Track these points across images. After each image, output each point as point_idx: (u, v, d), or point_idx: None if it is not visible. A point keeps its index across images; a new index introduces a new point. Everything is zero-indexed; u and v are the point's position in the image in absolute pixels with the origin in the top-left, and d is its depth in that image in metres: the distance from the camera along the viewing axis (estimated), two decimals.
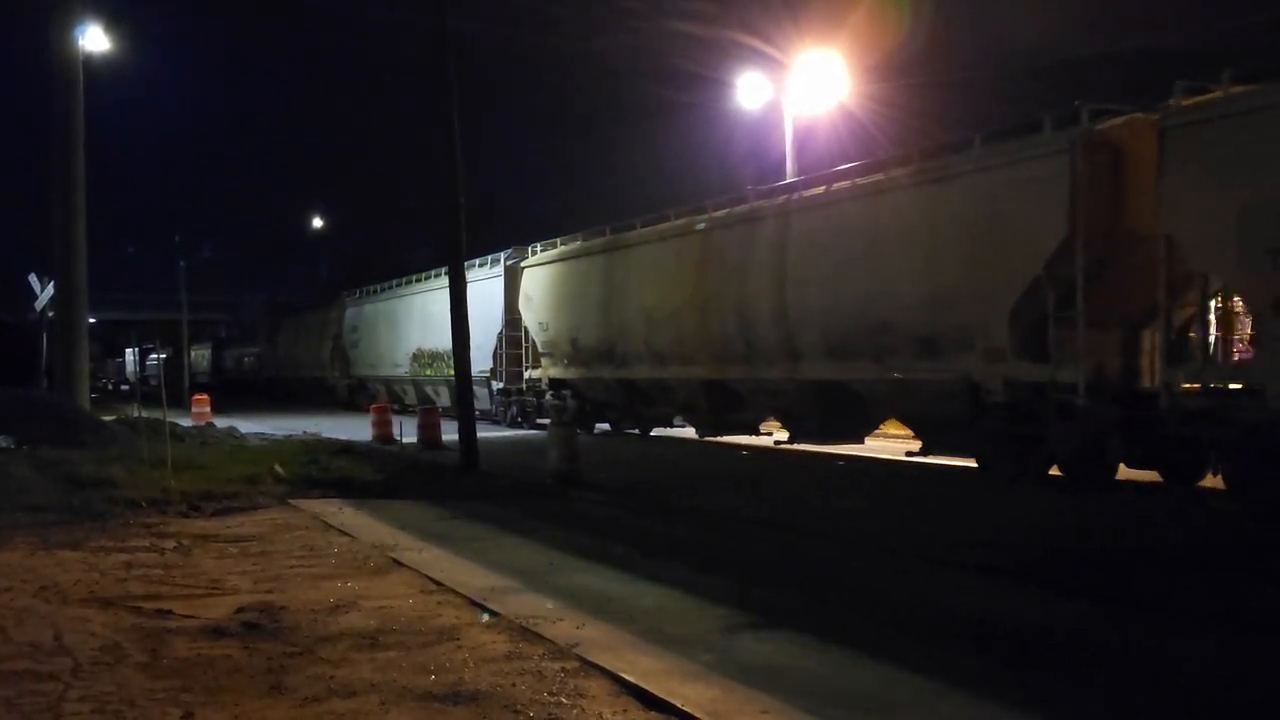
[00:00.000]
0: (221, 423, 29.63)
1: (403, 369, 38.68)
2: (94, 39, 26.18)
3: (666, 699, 5.93)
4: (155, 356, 71.38)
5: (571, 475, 16.60)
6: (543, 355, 28.43)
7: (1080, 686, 6.36)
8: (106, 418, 25.15)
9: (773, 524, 12.71)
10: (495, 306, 30.09)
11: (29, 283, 32.65)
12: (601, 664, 6.59)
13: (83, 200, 24.78)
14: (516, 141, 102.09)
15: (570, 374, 27.18)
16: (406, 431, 24.09)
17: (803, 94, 28.74)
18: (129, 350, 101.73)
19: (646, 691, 6.07)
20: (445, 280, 35.39)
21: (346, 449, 21.57)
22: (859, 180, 18.32)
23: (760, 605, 8.33)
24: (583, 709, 5.84)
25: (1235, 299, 13.63)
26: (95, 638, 7.38)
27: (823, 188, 19.36)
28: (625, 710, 5.85)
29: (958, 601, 8.62)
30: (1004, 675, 6.56)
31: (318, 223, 74.65)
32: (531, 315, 28.46)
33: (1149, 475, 14.94)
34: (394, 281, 41.55)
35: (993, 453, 16.03)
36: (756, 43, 30.72)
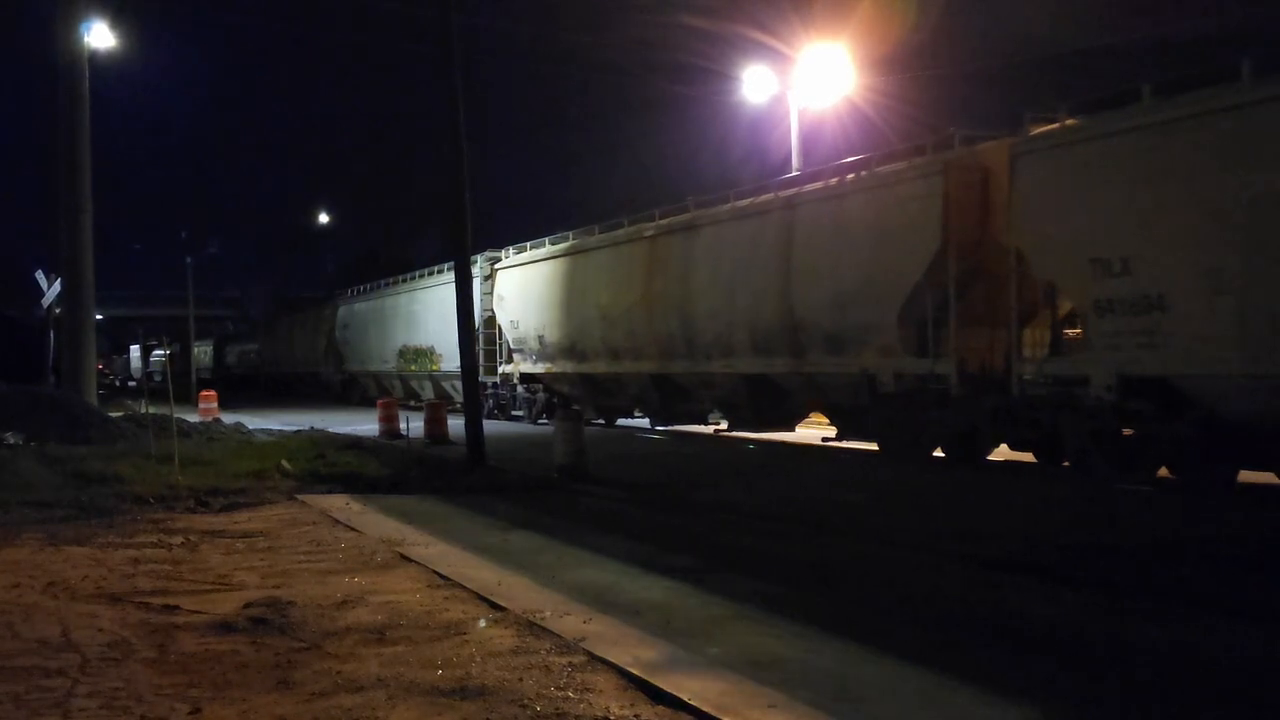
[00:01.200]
0: (228, 418, 29.67)
1: (390, 364, 41.17)
2: (99, 35, 26.23)
3: (674, 693, 5.92)
4: (160, 353, 71.99)
5: (578, 469, 16.60)
6: (514, 352, 30.71)
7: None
8: (114, 414, 25.21)
9: (775, 516, 12.74)
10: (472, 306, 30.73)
11: (36, 279, 32.72)
12: (608, 658, 6.59)
13: (89, 197, 24.83)
14: (521, 137, 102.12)
15: (539, 369, 29.55)
16: (413, 426, 24.12)
17: (808, 87, 28.72)
18: (133, 347, 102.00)
19: (653, 685, 6.07)
20: (429, 281, 38.22)
21: (353, 444, 21.59)
22: (779, 194, 20.81)
23: (767, 598, 8.32)
24: (590, 703, 5.84)
25: (1069, 302, 15.74)
26: (103, 633, 7.39)
27: (748, 200, 21.73)
28: (632, 704, 5.84)
29: (963, 594, 8.62)
30: (1010, 668, 6.55)
31: (324, 218, 74.87)
32: (504, 314, 30.73)
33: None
34: (382, 282, 44.44)
35: (888, 436, 18.55)
36: (762, 36, 30.70)
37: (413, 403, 31.79)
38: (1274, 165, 12.47)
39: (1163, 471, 14.51)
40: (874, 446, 19.16)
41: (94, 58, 25.86)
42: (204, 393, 35.95)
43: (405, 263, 44.84)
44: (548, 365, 29.03)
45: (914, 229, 17.09)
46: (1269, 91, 12.56)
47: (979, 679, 6.22)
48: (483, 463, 17.88)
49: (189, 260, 57.35)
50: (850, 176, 19.00)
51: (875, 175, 18.30)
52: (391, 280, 43.21)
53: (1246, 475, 14.13)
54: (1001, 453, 17.59)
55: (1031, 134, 15.49)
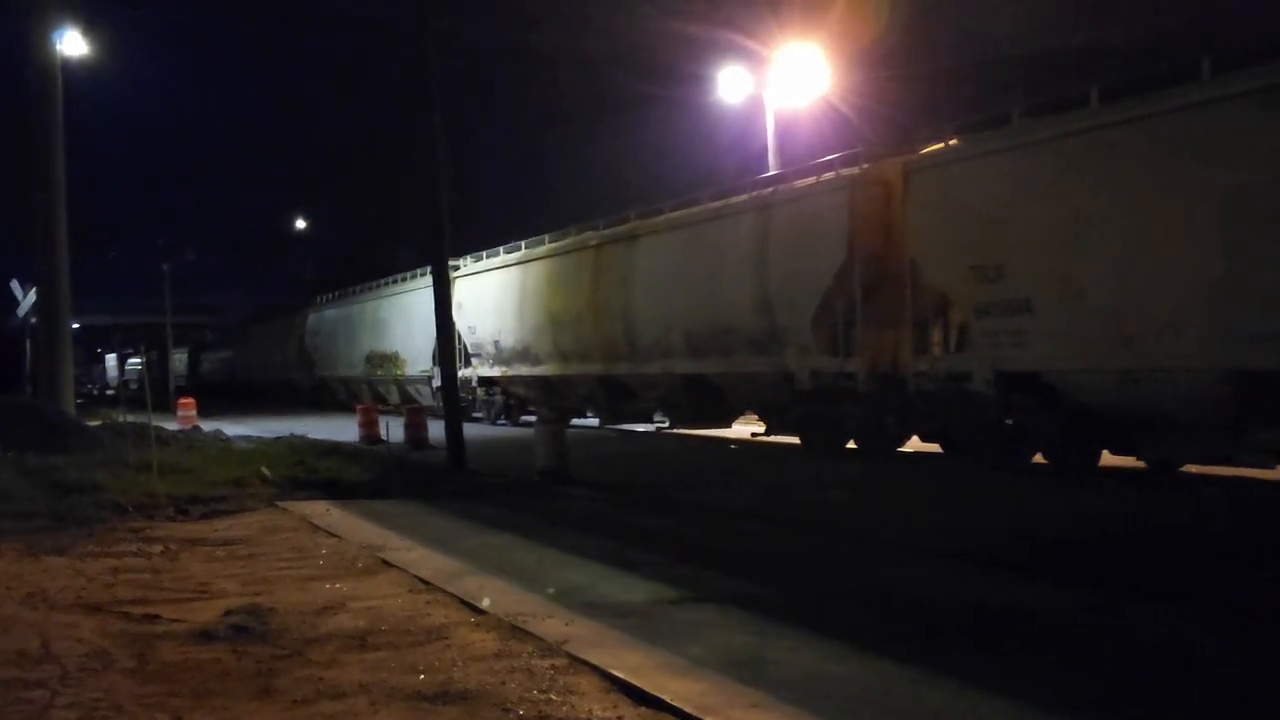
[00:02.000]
0: (207, 426, 29.55)
1: (358, 369, 42.51)
2: (72, 43, 26.06)
3: (657, 694, 5.92)
4: (136, 361, 72.05)
5: (559, 472, 16.59)
6: (473, 356, 31.99)
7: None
8: (92, 422, 25.06)
9: (753, 515, 12.81)
10: (432, 313, 31.58)
11: (11, 289, 32.52)
12: (591, 660, 6.58)
13: (63, 204, 24.67)
14: (498, 140, 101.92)
15: (495, 372, 31.01)
16: (393, 432, 24.06)
17: (783, 87, 28.76)
18: (109, 355, 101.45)
19: (636, 687, 6.07)
20: (394, 289, 39.27)
21: (333, 450, 21.54)
22: (709, 205, 22.31)
23: (749, 598, 8.34)
24: (573, 705, 5.84)
25: (955, 305, 16.82)
26: (82, 644, 7.35)
27: (681, 212, 23.15)
28: (615, 706, 5.85)
29: (941, 589, 8.66)
30: (990, 664, 6.58)
31: (301, 223, 74.56)
32: (463, 320, 30.95)
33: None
34: (349, 289, 46.09)
35: (808, 431, 20.05)
36: (737, 36, 30.71)
37: (380, 406, 32.21)
38: (1120, 183, 13.97)
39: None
40: (797, 440, 20.68)
41: (67, 65, 25.70)
42: (182, 400, 35.76)
43: (384, 267, 45.00)
44: (504, 369, 30.45)
45: (825, 239, 18.54)
46: (1111, 117, 14.11)
47: (957, 672, 6.25)
48: (464, 466, 17.86)
49: (166, 267, 56.98)
50: (770, 190, 20.63)
51: (793, 189, 19.86)
52: (358, 288, 44.82)
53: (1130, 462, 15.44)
54: (914, 444, 19.06)
55: (921, 153, 17.25)
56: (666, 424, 25.92)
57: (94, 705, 6.05)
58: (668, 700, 5.82)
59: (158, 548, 11.25)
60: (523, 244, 29.89)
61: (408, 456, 20.98)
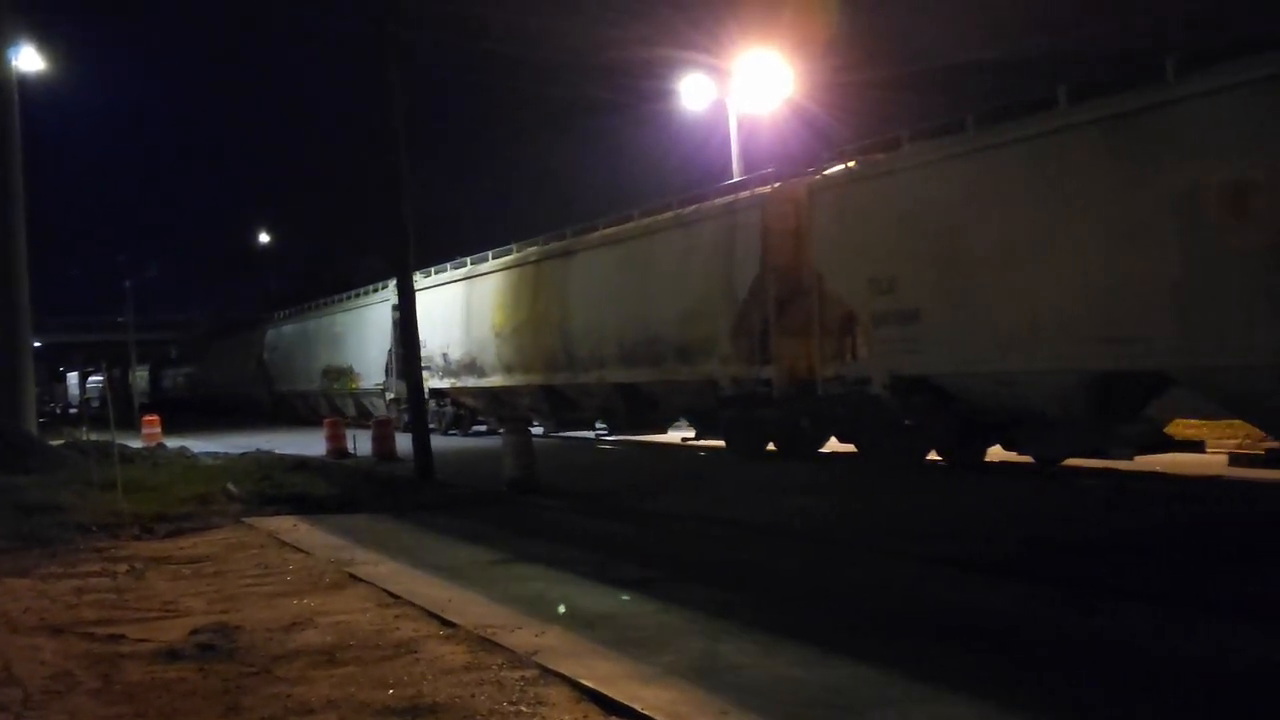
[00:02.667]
0: (172, 442, 29.30)
1: (315, 384, 43.56)
2: (28, 59, 25.80)
3: (627, 704, 5.92)
4: (97, 379, 72.14)
5: (527, 482, 16.55)
6: (423, 369, 31.14)
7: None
8: (55, 441, 24.79)
9: (718, 521, 12.80)
10: (386, 328, 35.01)
11: None
12: (561, 671, 6.57)
13: (22, 220, 24.36)
14: (463, 151, 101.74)
15: (445, 384, 31.79)
16: (361, 446, 23.97)
17: (747, 94, 28.84)
18: (71, 373, 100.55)
19: (607, 696, 6.06)
20: (348, 305, 40.45)
21: (300, 465, 21.39)
22: (639, 221, 23.31)
23: (716, 605, 8.34)
24: (543, 716, 5.82)
25: (856, 315, 17.82)
26: (46, 666, 7.27)
27: (614, 229, 24.25)
28: (586, 716, 5.84)
29: (905, 592, 8.69)
30: (957, 662, 6.60)
31: (265, 237, 74.27)
32: None
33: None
34: (305, 306, 47.33)
35: (732, 435, 20.90)
36: (701, 42, 30.81)
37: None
38: (990, 202, 15.18)
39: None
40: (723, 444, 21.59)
41: (24, 81, 25.44)
42: (147, 417, 35.44)
43: (347, 281, 45.08)
44: (453, 380, 31.41)
45: (741, 255, 19.73)
46: (986, 140, 15.32)
47: (933, 676, 6.27)
48: (431, 479, 17.81)
49: (128, 284, 56.57)
50: (692, 209, 21.75)
51: (713, 207, 21.02)
52: (314, 304, 46.05)
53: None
54: (832, 444, 19.95)
55: (824, 174, 18.49)
56: (605, 431, 27.04)
57: None
58: (638, 709, 5.82)
59: (123, 567, 11.14)
60: (469, 260, 31.07)
61: (375, 470, 20.88)
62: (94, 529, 13.63)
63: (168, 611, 8.93)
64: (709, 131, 32.13)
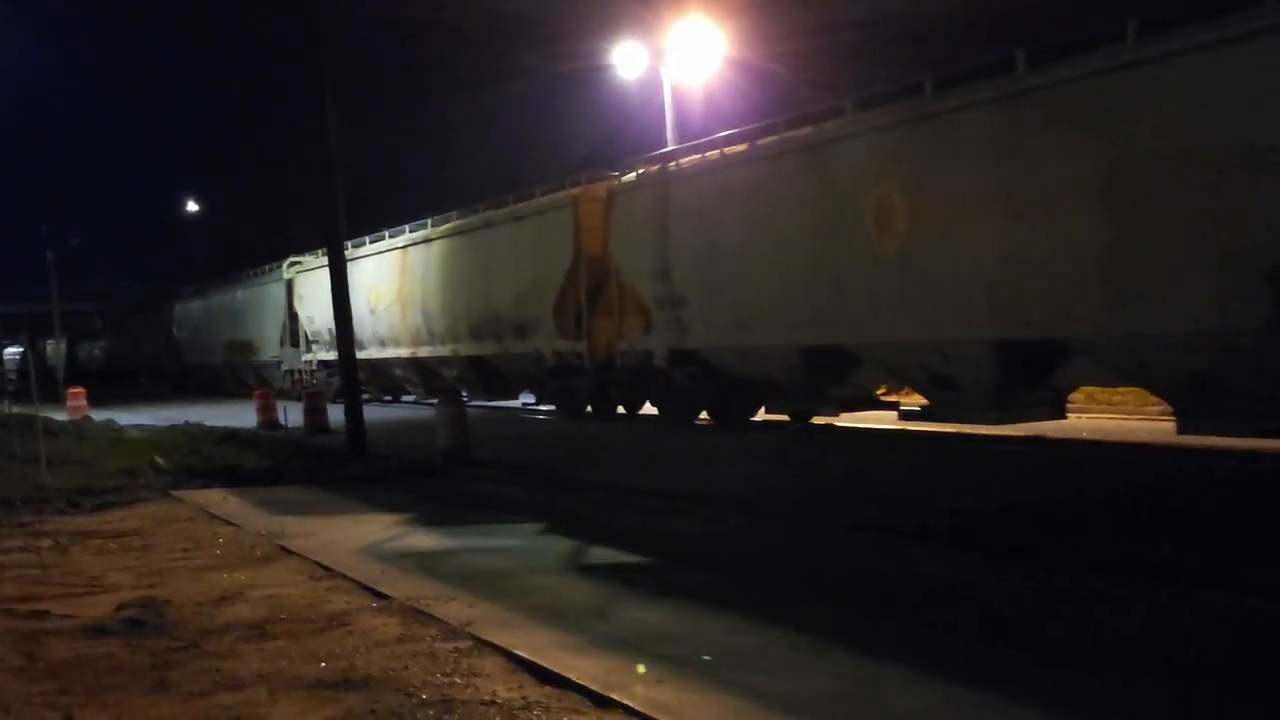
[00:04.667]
0: (99, 415, 28.81)
1: (219, 356, 46.98)
2: None
3: (561, 673, 5.91)
4: (14, 350, 72.36)
5: (460, 454, 16.47)
6: (312, 342, 36.59)
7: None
8: None
9: (655, 491, 12.79)
10: (280, 305, 39.09)
11: None
12: (495, 641, 6.55)
13: None
14: (393, 117, 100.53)
15: (330, 356, 33.67)
16: (292, 416, 23.72)
17: (681, 62, 28.76)
18: None
19: (540, 666, 6.06)
20: (248, 283, 43.31)
21: (230, 437, 21.15)
22: (485, 213, 26.42)
23: (650, 572, 8.39)
24: (476, 687, 5.80)
25: (644, 299, 20.56)
26: None
27: (464, 220, 27.30)
28: (520, 686, 5.82)
29: (836, 559, 8.78)
30: (853, 615, 6.68)
31: (192, 206, 73.09)
32: (303, 311, 36.79)
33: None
34: (209, 284, 50.89)
35: (558, 400, 24.59)
36: (635, 10, 30.63)
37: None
38: (736, 208, 18.06)
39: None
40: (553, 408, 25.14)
41: None
42: (72, 390, 34.82)
43: (275, 251, 45.20)
44: (337, 354, 32.20)
45: (559, 246, 22.94)
46: (731, 159, 18.42)
47: (853, 635, 6.34)
48: (364, 451, 17.65)
49: (50, 254, 55.37)
50: (521, 205, 24.90)
51: (538, 203, 24.18)
52: (216, 281, 49.71)
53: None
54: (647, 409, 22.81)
55: (621, 180, 21.67)
56: (466, 398, 28.46)
57: None
58: (573, 679, 5.81)
59: (46, 542, 10.94)
60: (349, 244, 32.58)
61: (307, 441, 20.67)
62: (17, 504, 13.35)
63: (94, 587, 8.78)
64: (645, 98, 32.06)
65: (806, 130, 16.96)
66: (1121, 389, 17.99)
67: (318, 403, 24.20)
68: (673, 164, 20.15)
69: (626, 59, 29.93)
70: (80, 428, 24.18)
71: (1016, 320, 13.66)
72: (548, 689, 5.76)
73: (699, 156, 19.49)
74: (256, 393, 28.30)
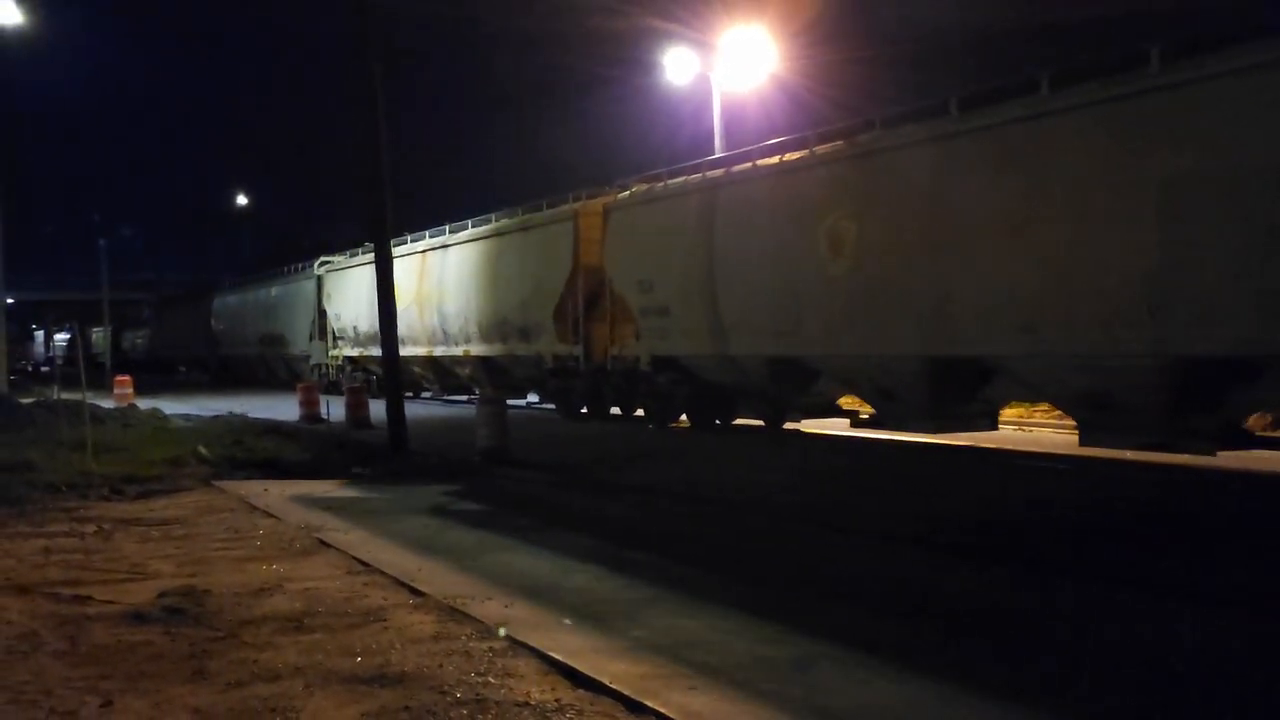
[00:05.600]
0: (144, 403, 29.13)
1: (253, 349, 48.76)
2: (6, 11, 25.47)
3: (595, 676, 5.92)
4: (63, 337, 74.17)
5: (500, 453, 16.52)
6: (339, 338, 38.34)
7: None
8: (25, 400, 24.61)
9: (690, 497, 12.81)
10: (310, 302, 40.76)
11: None
12: (529, 643, 6.56)
13: None
14: (441, 119, 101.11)
15: (355, 353, 36.77)
16: (334, 411, 23.89)
17: (731, 69, 28.71)
18: (39, 331, 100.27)
19: (575, 669, 6.06)
20: (282, 280, 44.97)
21: (273, 429, 21.31)
22: (495, 224, 27.89)
23: (686, 581, 8.36)
24: (510, 688, 5.82)
25: (632, 308, 21.77)
26: (11, 625, 7.22)
27: (475, 229, 28.86)
28: (553, 688, 5.83)
29: (868, 568, 8.73)
30: (902, 630, 6.64)
31: (242, 200, 73.83)
32: (331, 309, 38.53)
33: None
34: (247, 278, 53.03)
35: (557, 400, 25.94)
36: (684, 18, 30.61)
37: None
38: (720, 230, 19.07)
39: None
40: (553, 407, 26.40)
41: (1, 34, 25.12)
42: (119, 378, 35.30)
43: (323, 245, 45.78)
44: (361, 350, 36.00)
45: (560, 256, 24.26)
46: (712, 180, 19.67)
47: (892, 649, 6.30)
48: (404, 447, 17.73)
49: (102, 243, 56.09)
50: (529, 216, 26.29)
51: (544, 215, 25.62)
52: (255, 277, 51.44)
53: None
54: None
55: (617, 196, 23.01)
56: (477, 395, 30.64)
57: (21, 689, 5.95)
58: (606, 682, 5.82)
59: (91, 528, 11.08)
60: (362, 248, 34.75)
61: (348, 436, 20.79)
62: (63, 489, 13.55)
63: (135, 574, 8.89)
64: (695, 106, 32.05)
65: (774, 159, 18.41)
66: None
67: (360, 398, 24.36)
68: (660, 184, 21.51)
69: (676, 66, 29.86)
70: (126, 415, 24.47)
71: (942, 339, 14.90)
72: (581, 692, 5.77)
73: (683, 179, 20.85)
74: (300, 386, 28.54)
